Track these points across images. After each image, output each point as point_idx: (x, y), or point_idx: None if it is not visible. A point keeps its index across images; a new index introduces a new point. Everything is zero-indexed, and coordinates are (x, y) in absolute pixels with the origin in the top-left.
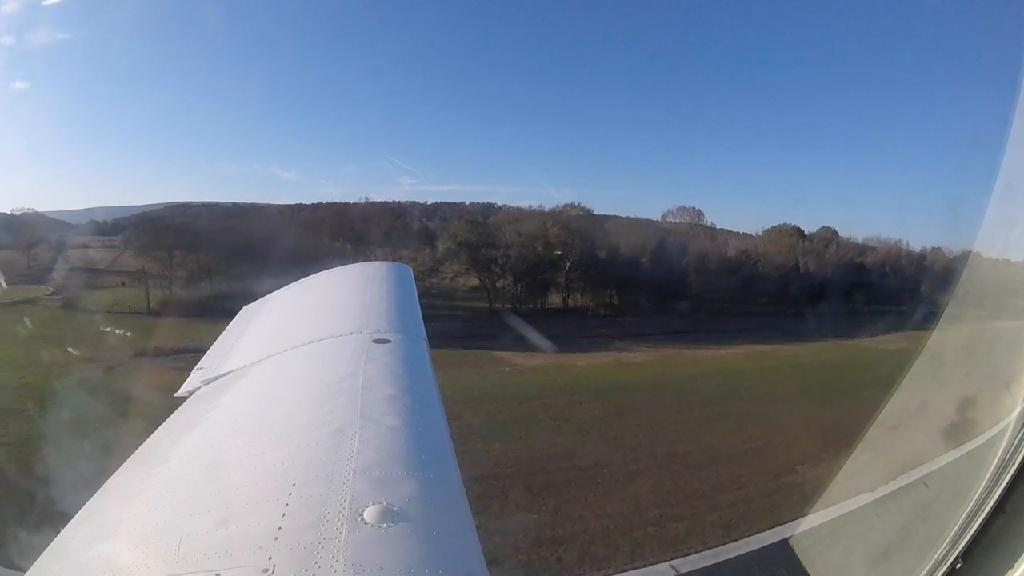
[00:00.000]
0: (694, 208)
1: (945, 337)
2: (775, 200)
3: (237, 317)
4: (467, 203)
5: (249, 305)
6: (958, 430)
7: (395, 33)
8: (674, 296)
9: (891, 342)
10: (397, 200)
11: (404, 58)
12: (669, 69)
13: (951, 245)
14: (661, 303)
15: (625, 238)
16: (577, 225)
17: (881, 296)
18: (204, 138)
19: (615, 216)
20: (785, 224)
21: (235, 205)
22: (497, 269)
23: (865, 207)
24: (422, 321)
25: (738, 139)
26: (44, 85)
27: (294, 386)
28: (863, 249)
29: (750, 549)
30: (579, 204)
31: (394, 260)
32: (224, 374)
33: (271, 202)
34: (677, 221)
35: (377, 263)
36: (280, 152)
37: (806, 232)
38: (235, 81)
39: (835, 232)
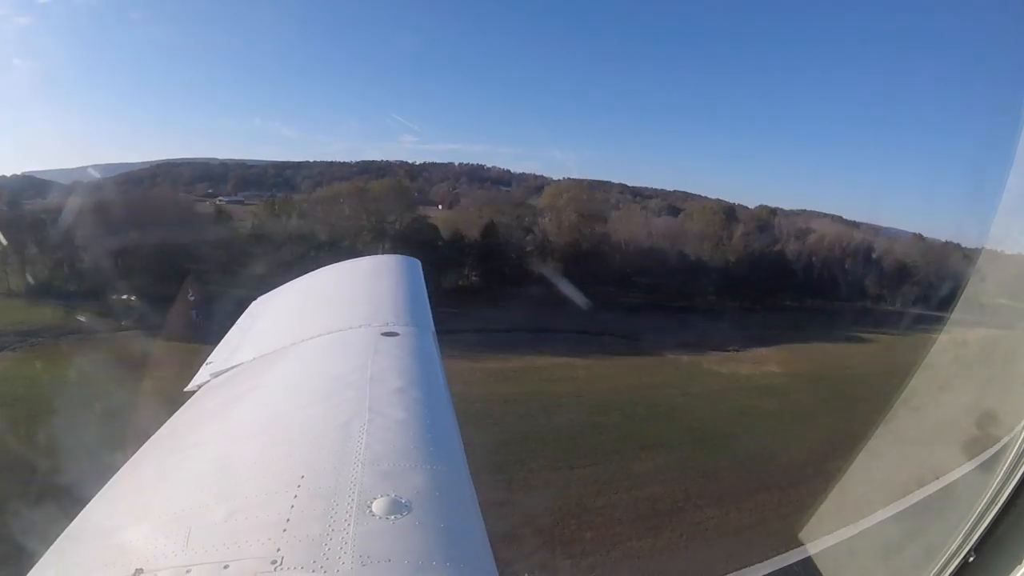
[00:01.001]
0: (584, 180)
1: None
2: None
3: (248, 311)
4: (456, 164)
5: (259, 298)
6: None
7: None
8: (515, 283)
9: (758, 362)
10: (386, 159)
11: (411, 14)
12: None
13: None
14: (503, 290)
15: (478, 212)
16: (379, 198)
17: (809, 293)
18: (206, 95)
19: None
20: (715, 200)
21: (222, 163)
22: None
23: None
24: (431, 314)
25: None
26: (37, 37)
27: (303, 379)
28: (802, 234)
29: None
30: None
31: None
32: (233, 367)
33: (267, 159)
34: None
35: (386, 256)
36: (281, 109)
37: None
38: (239, 36)
39: (772, 212)
